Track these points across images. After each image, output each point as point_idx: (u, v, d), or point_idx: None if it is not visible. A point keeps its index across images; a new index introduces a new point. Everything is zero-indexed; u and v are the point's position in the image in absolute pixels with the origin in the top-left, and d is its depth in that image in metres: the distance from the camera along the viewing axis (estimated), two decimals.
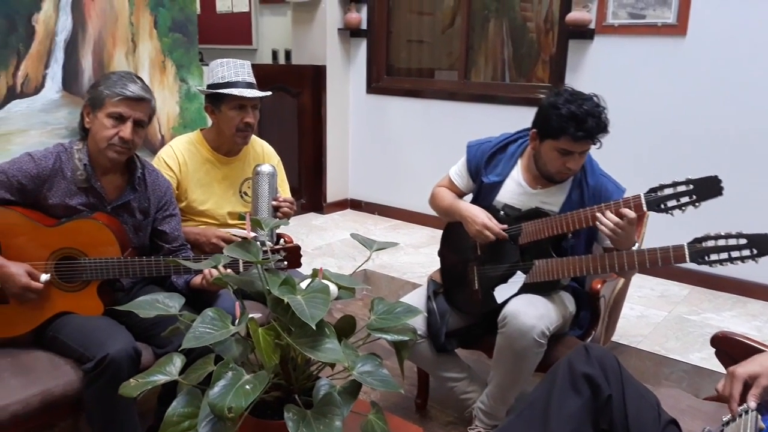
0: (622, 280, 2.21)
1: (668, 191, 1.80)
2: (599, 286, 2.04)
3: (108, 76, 1.90)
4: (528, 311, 1.92)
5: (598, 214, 1.85)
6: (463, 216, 2.11)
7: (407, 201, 4.60)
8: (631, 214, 1.81)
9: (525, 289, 2.03)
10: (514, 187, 2.13)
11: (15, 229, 1.80)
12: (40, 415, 1.68)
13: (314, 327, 1.15)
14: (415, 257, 3.82)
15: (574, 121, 1.89)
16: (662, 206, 1.81)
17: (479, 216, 2.07)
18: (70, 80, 3.22)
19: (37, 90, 3.14)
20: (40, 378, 1.70)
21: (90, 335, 1.74)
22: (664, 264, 1.78)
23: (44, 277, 1.80)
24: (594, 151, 2.12)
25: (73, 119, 3.15)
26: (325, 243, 4.14)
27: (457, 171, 2.26)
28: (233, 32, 5.51)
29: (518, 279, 2.06)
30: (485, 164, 2.17)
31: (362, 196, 4.97)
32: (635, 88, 3.54)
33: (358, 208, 4.99)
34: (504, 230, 2.06)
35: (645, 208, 1.82)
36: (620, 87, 3.57)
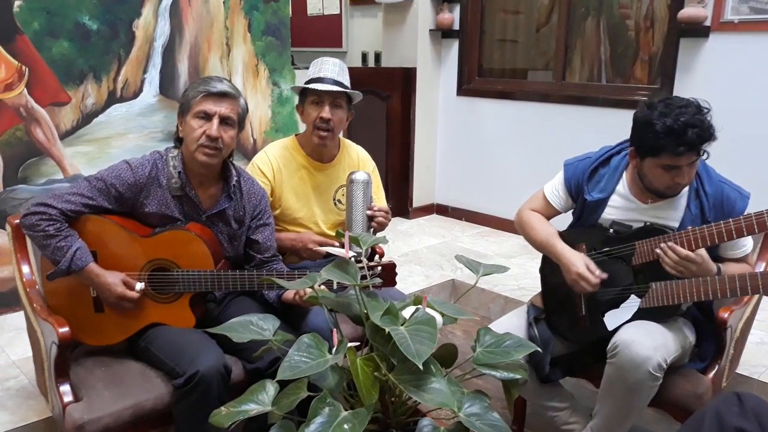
0: (750, 308, 1.98)
1: None
2: (726, 315, 1.82)
3: (193, 82, 1.89)
4: (643, 341, 1.74)
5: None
6: (559, 261, 1.95)
7: (497, 207, 4.43)
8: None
9: (639, 314, 1.85)
10: (622, 203, 1.95)
11: (111, 239, 1.79)
12: (130, 428, 1.66)
13: (421, 366, 1.04)
14: None
15: (672, 137, 1.71)
16: None
17: (575, 264, 1.89)
18: (166, 84, 3.27)
19: (136, 94, 3.21)
20: (132, 391, 1.68)
21: (181, 350, 1.71)
22: None
23: (139, 285, 1.78)
24: (711, 161, 1.91)
25: (170, 123, 3.20)
26: (412, 250, 4.03)
27: (554, 190, 2.08)
28: (324, 35, 5.50)
29: (632, 304, 1.87)
30: (587, 180, 2.00)
31: (449, 201, 4.83)
32: (756, 91, 3.22)
33: (444, 214, 4.85)
34: (614, 250, 1.89)
35: None
36: (739, 89, 3.26)
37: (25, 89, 2.82)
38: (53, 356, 1.68)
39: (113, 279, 1.76)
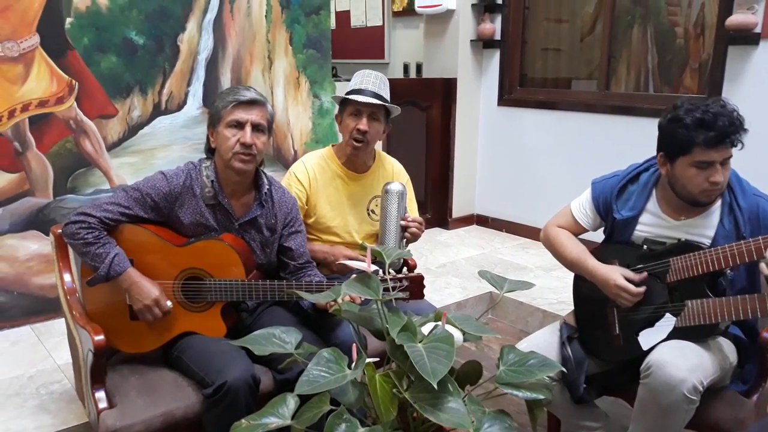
0: None
1: None
2: None
3: (220, 93, 1.95)
4: (677, 362, 1.68)
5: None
6: (594, 278, 1.90)
7: (538, 219, 4.35)
8: None
9: (675, 334, 1.78)
10: (653, 221, 1.89)
11: (147, 248, 1.84)
12: None
13: (435, 385, 1.03)
14: (546, 281, 3.58)
15: (702, 128, 1.68)
16: None
17: (612, 277, 1.84)
18: (210, 97, 3.35)
19: (180, 107, 3.29)
20: (163, 398, 1.72)
21: (210, 360, 1.74)
22: None
23: (168, 305, 1.83)
24: (756, 174, 1.83)
25: None
26: (450, 261, 4.00)
27: (581, 208, 2.03)
28: (366, 46, 5.54)
29: (667, 323, 1.81)
30: (615, 198, 1.95)
31: (489, 212, 4.79)
32: None
33: (484, 225, 4.81)
34: (648, 266, 1.83)
35: None
36: None
37: (75, 102, 2.93)
38: (89, 363, 1.74)
39: (151, 285, 1.80)
